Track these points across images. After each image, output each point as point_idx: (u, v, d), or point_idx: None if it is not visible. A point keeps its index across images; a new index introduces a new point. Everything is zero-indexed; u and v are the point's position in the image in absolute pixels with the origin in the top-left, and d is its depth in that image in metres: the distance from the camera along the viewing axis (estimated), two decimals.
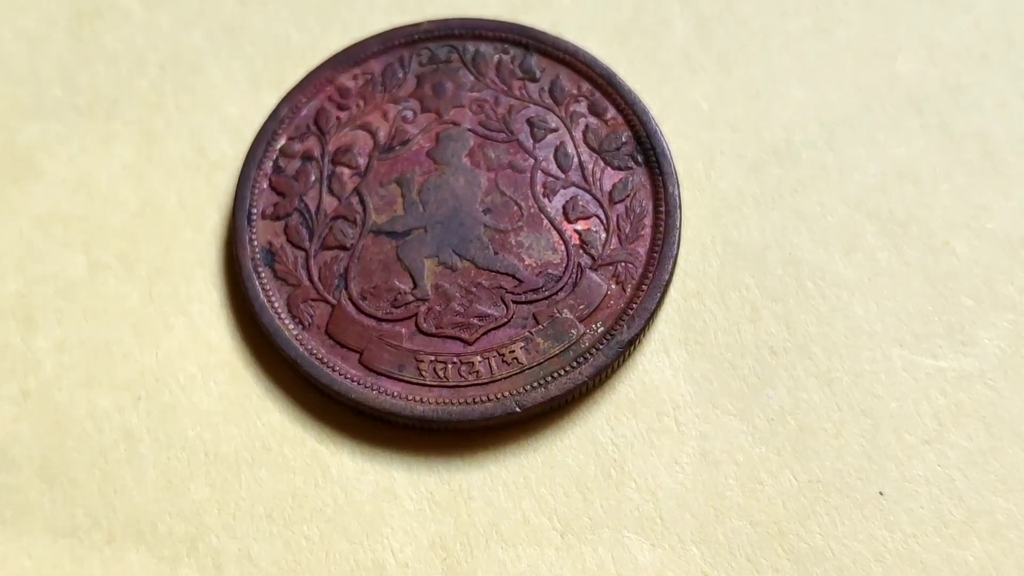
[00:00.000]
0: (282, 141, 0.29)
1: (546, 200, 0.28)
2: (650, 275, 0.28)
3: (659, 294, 0.27)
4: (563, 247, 0.28)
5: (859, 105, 0.30)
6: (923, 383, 0.27)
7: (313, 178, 0.29)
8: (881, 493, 0.26)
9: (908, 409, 0.27)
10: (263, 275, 0.28)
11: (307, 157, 0.29)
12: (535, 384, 0.27)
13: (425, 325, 0.28)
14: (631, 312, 0.27)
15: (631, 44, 0.32)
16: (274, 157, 0.29)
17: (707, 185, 0.30)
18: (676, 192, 0.28)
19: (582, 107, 0.29)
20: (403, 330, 0.28)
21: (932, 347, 0.28)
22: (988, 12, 0.31)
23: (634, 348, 0.27)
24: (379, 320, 0.28)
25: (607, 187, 0.28)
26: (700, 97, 0.31)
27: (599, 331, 0.27)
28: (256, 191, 0.29)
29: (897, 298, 0.28)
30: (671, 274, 0.27)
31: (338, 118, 0.30)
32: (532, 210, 0.28)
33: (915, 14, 0.31)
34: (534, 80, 0.30)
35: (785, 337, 0.28)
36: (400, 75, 0.30)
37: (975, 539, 0.25)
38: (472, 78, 0.30)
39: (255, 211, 0.29)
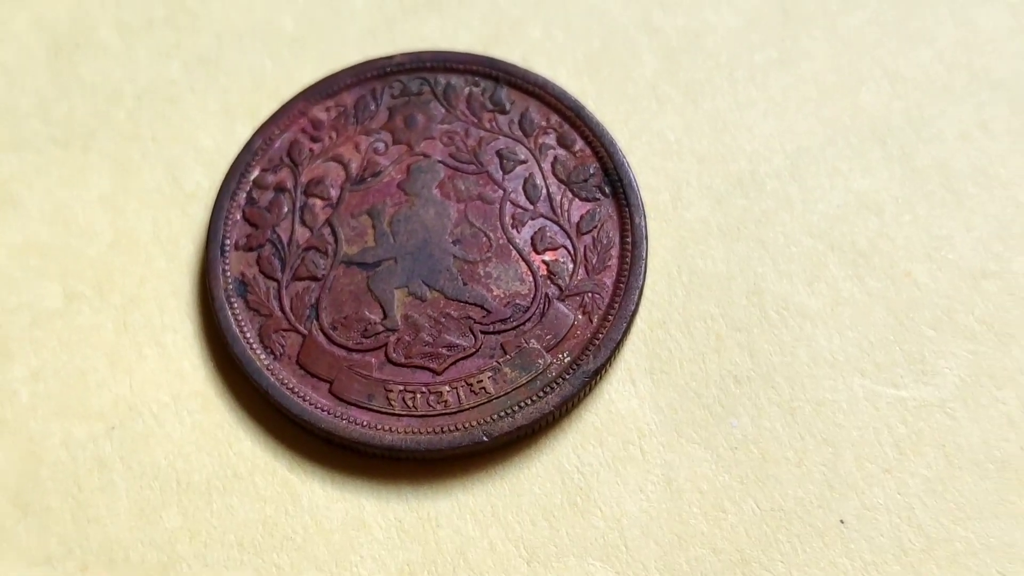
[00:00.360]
0: (255, 173, 0.30)
1: (515, 231, 0.29)
2: (616, 305, 0.28)
3: (625, 324, 0.28)
4: (531, 278, 0.28)
5: (823, 137, 0.31)
6: (884, 412, 0.28)
7: (286, 209, 0.29)
8: (842, 521, 0.26)
9: (869, 438, 0.27)
10: (236, 306, 0.28)
11: (280, 188, 0.29)
12: (503, 414, 0.27)
13: (394, 355, 0.28)
14: (597, 342, 0.27)
15: (600, 76, 0.32)
16: (248, 188, 0.29)
17: (673, 216, 0.30)
18: (643, 223, 0.28)
19: (551, 139, 0.29)
20: (373, 360, 0.28)
21: (893, 376, 0.28)
22: (950, 45, 0.32)
23: (600, 378, 0.27)
24: (349, 350, 0.28)
25: (575, 218, 0.29)
26: (667, 128, 0.31)
27: (566, 361, 0.27)
28: (230, 222, 0.29)
29: (859, 328, 0.28)
30: (637, 304, 0.28)
31: (311, 150, 0.30)
32: (501, 241, 0.29)
33: (878, 47, 0.32)
34: (504, 112, 0.30)
35: (749, 366, 0.28)
36: (372, 107, 0.30)
37: (934, 567, 0.26)
38: (443, 110, 0.30)
39: (228, 242, 0.29)
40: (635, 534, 0.26)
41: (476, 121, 0.30)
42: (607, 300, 0.28)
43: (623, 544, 0.26)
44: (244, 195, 0.29)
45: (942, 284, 0.29)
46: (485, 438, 0.27)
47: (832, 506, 0.26)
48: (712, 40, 0.32)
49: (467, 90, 0.30)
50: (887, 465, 0.27)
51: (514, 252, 0.28)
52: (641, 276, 0.28)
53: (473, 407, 0.27)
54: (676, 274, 0.29)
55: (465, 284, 0.28)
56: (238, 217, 0.29)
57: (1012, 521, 0.27)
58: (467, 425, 0.27)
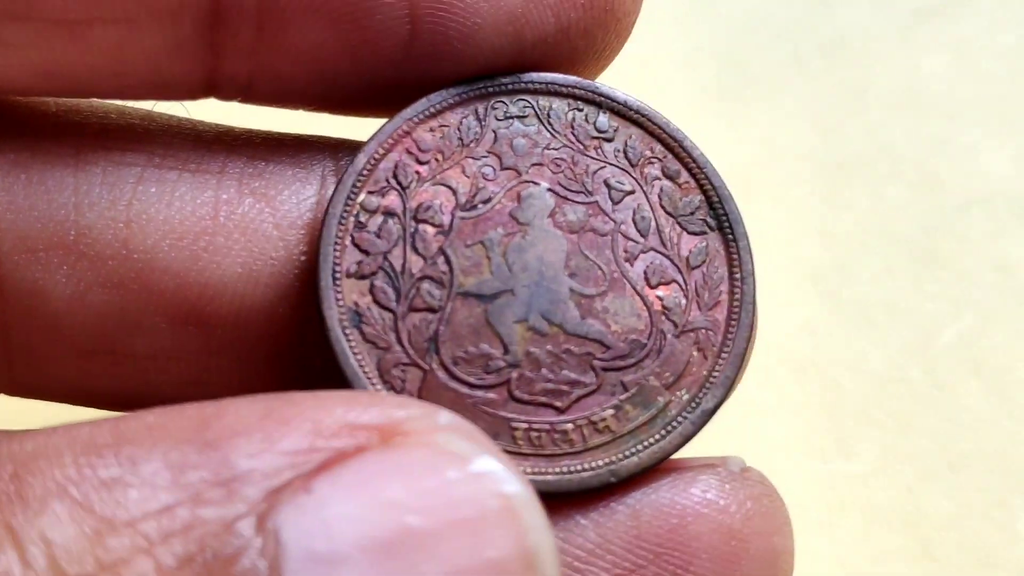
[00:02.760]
0: (363, 196, 0.26)
1: (628, 265, 0.26)
2: (730, 343, 0.26)
3: (739, 362, 0.26)
4: (646, 313, 0.26)
5: (774, 279, 0.36)
6: (820, 481, 0.33)
7: (396, 236, 0.26)
8: None
9: (808, 501, 0.33)
10: (351, 337, 0.26)
11: (388, 213, 0.26)
12: (628, 453, 0.25)
13: (518, 392, 0.25)
14: (714, 380, 0.26)
15: None
16: (355, 212, 0.26)
17: None
18: (749, 259, 0.27)
19: (656, 169, 0.27)
20: (496, 397, 0.25)
21: (825, 455, 0.33)
22: (865, 212, 0.38)
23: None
24: (472, 387, 0.25)
25: (684, 252, 0.27)
26: None
27: (684, 399, 0.25)
28: (339, 248, 0.26)
29: (800, 420, 0.34)
30: (748, 341, 0.27)
31: (417, 172, 0.27)
32: (615, 275, 0.26)
33: (812, 213, 0.38)
34: (609, 140, 0.27)
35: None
36: (477, 129, 0.27)
37: None
38: (549, 136, 0.27)
39: (339, 269, 0.26)
40: None
41: (582, 148, 0.27)
42: (720, 337, 0.26)
43: None
44: (352, 220, 0.26)
45: (860, 387, 0.34)
46: (613, 479, 0.25)
47: None
48: None
49: (570, 115, 0.27)
50: (820, 519, 0.32)
51: (628, 287, 0.26)
52: (751, 313, 0.26)
53: (598, 446, 0.25)
54: None
55: (583, 319, 0.26)
56: (347, 243, 0.26)
57: (913, 563, 0.32)
58: (594, 465, 0.25)
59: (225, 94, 0.25)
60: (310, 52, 0.24)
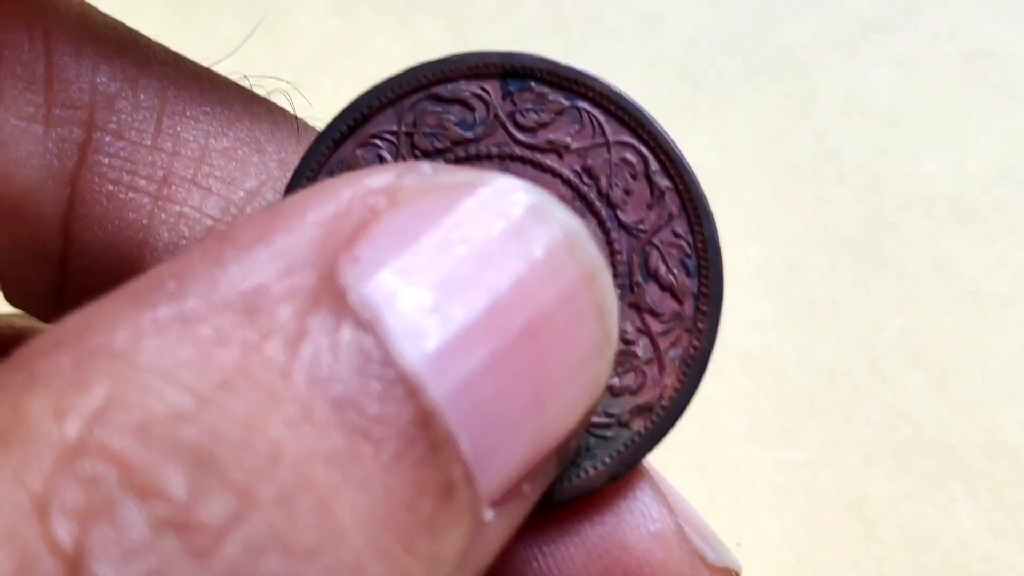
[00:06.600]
0: None
1: None
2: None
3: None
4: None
5: (725, 279, 0.41)
6: (767, 468, 0.35)
7: None
8: (739, 544, 0.33)
9: (758, 486, 0.35)
10: None
11: None
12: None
13: None
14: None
15: None
16: None
17: None
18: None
19: None
20: None
21: (773, 444, 0.35)
22: (811, 215, 0.40)
23: None
24: None
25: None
26: None
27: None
28: None
29: (750, 410, 0.36)
30: None
31: None
32: None
33: (761, 216, 0.40)
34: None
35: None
36: None
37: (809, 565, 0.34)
38: None
39: None
40: None
41: None
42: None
43: None
44: None
45: (804, 379, 0.36)
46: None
47: (732, 533, 0.32)
48: None
49: None
50: (769, 503, 0.35)
51: None
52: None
53: None
54: None
55: None
56: None
57: (857, 544, 0.34)
58: None
59: None
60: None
